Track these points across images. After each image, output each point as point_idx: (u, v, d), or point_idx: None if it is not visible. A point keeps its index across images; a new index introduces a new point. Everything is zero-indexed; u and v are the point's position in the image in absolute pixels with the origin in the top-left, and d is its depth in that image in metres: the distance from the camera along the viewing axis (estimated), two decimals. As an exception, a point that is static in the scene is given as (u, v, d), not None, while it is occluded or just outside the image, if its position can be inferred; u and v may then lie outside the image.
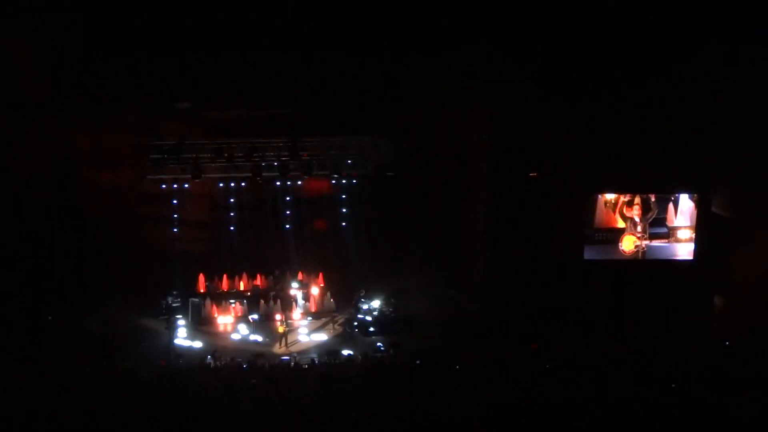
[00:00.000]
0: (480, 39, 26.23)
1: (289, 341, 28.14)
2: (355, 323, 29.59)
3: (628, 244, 27.97)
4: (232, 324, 29.72)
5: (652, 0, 26.26)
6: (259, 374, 21.67)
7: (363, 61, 26.29)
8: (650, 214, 28.31)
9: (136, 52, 25.67)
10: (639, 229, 28.18)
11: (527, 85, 26.85)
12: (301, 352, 27.17)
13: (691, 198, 27.87)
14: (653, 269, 28.72)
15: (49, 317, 26.62)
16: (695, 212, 27.85)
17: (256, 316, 29.79)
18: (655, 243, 28.06)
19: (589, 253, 28.07)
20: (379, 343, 27.71)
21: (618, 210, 28.01)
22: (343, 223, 33.21)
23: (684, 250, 28.00)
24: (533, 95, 27.03)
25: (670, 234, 27.99)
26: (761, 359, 18.62)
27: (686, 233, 27.90)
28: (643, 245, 28.05)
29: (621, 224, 28.09)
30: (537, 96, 26.97)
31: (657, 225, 27.99)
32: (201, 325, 29.73)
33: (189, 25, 25.92)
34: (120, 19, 25.69)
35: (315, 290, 31.82)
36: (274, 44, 26.31)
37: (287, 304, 30.72)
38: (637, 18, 26.26)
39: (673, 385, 15.83)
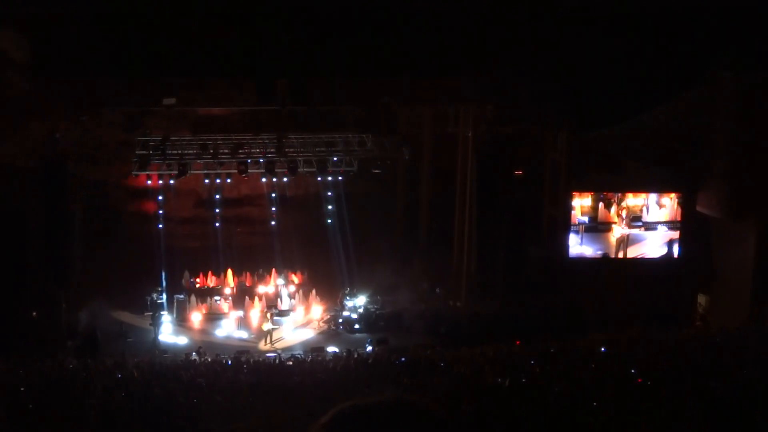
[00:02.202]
0: (468, 39, 26.26)
1: (273, 338, 28.15)
2: (341, 320, 29.59)
3: (616, 232, 28.53)
4: (216, 321, 29.67)
5: (639, 7, 26.39)
6: (243, 370, 21.65)
7: (350, 58, 26.27)
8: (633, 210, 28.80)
9: (122, 48, 25.61)
10: (624, 223, 28.63)
11: (514, 83, 26.91)
12: (286, 349, 27.17)
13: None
14: (638, 268, 28.84)
15: (34, 314, 26.52)
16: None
17: (241, 313, 29.74)
18: (634, 231, 29.30)
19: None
20: (370, 338, 27.74)
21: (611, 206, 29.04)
22: (329, 220, 33.23)
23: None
24: (519, 94, 27.09)
25: (644, 226, 29.30)
26: (746, 357, 18.70)
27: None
28: (626, 233, 28.83)
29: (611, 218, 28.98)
30: (523, 94, 27.04)
31: (634, 220, 29.10)
32: (185, 321, 29.69)
33: (175, 22, 25.87)
34: (106, 16, 25.62)
35: (300, 287, 31.81)
36: (260, 41, 26.28)
37: (272, 301, 30.71)
38: (623, 23, 26.37)
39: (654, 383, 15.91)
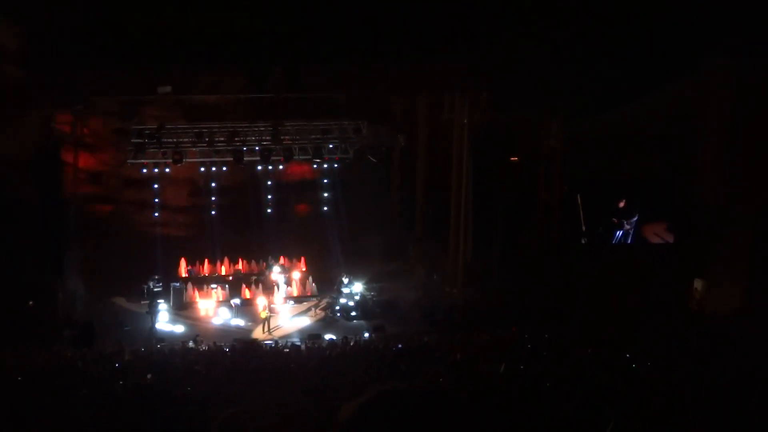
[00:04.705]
0: (464, 25, 26.20)
1: (271, 326, 28.18)
2: (337, 308, 29.63)
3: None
4: (213, 309, 29.71)
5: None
6: (240, 357, 21.67)
7: (345, 45, 26.22)
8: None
9: (116, 37, 25.54)
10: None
11: (508, 69, 26.87)
12: (283, 337, 27.22)
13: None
14: (634, 254, 28.87)
15: (30, 302, 26.50)
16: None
17: (237, 301, 29.78)
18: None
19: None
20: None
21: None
22: (325, 208, 33.25)
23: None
24: (515, 80, 27.06)
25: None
26: (739, 340, 18.77)
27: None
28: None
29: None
30: (518, 81, 27.01)
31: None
32: (182, 309, 29.72)
33: (170, 10, 25.81)
34: (101, 4, 25.54)
35: (297, 275, 31.85)
36: (254, 28, 26.22)
37: (269, 288, 30.74)
38: (618, 8, 26.33)
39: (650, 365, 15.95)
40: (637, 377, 14.58)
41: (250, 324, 28.68)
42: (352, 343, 23.84)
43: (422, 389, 2.81)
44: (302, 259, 32.72)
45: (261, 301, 29.35)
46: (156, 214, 31.89)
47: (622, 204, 28.55)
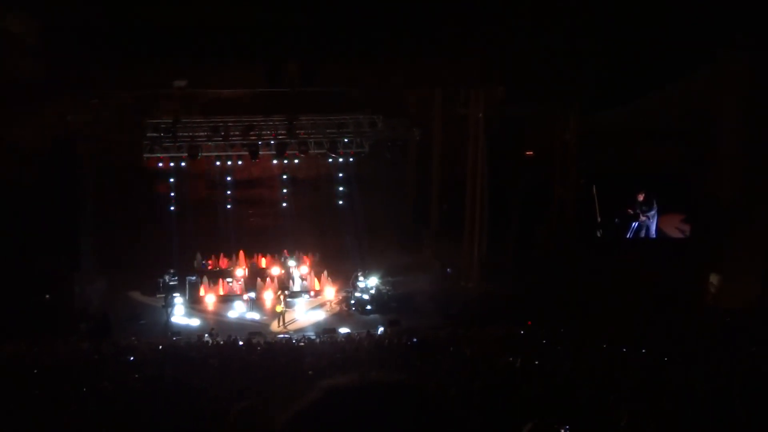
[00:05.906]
0: (478, 20, 26.12)
1: (286, 320, 28.23)
2: (353, 301, 29.64)
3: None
4: (229, 302, 29.76)
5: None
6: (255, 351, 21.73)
7: (360, 40, 26.18)
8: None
9: (132, 30, 25.57)
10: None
11: (523, 64, 26.79)
12: (298, 331, 27.26)
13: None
14: (649, 248, 28.76)
15: (47, 296, 26.62)
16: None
17: (253, 295, 29.82)
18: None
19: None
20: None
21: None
22: (340, 202, 33.25)
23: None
24: (528, 74, 26.98)
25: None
26: (754, 335, 18.70)
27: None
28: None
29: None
30: (533, 74, 26.93)
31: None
32: (198, 303, 29.80)
33: (185, 3, 25.83)
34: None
35: (312, 269, 31.87)
36: (270, 23, 26.21)
37: (284, 282, 30.77)
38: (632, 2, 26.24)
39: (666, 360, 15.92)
40: (651, 372, 14.55)
41: (265, 318, 28.74)
42: (367, 337, 23.89)
43: (366, 382, 2.67)
44: (317, 253, 32.74)
45: (276, 295, 29.43)
46: (171, 208, 31.96)
47: (641, 198, 28.47)
